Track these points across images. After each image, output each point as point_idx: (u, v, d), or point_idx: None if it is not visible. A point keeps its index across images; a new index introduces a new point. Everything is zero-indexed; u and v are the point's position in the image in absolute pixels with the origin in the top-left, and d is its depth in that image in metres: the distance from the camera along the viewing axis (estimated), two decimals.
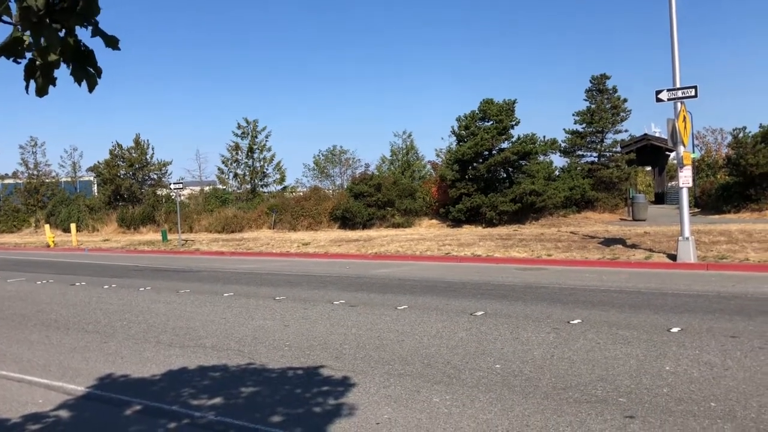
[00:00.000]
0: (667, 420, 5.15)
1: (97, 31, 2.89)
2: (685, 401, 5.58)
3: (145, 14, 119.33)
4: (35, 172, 54.12)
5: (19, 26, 2.74)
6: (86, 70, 3.00)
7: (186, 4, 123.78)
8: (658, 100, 16.58)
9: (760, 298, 10.73)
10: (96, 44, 3.02)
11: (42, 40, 2.75)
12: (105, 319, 11.02)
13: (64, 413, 5.97)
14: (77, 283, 16.55)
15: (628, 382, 6.17)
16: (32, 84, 2.93)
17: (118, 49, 2.96)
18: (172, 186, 33.24)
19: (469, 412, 5.51)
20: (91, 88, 3.07)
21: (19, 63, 2.89)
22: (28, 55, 2.87)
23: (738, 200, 27.32)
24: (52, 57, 2.74)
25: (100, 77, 3.08)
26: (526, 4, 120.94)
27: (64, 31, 2.81)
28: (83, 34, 2.93)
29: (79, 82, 3.02)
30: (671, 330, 8.39)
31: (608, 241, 19.90)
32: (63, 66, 2.98)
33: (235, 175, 46.45)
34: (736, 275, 13.97)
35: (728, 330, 8.28)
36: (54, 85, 2.94)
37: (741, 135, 28.88)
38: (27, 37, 2.78)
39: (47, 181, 54.47)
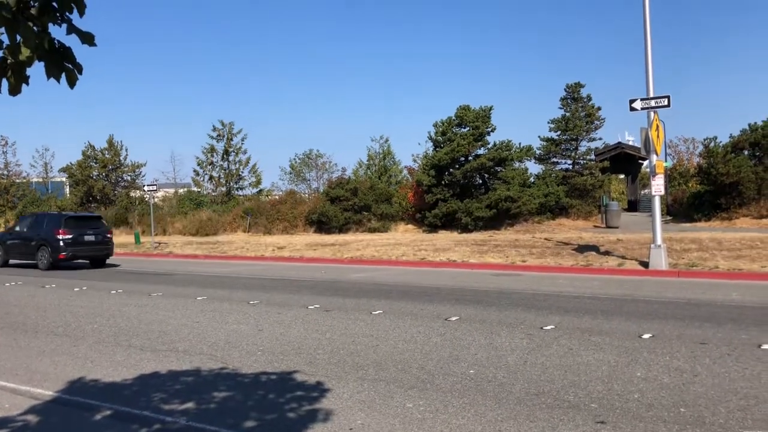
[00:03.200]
0: (637, 425, 5.21)
1: (72, 28, 2.86)
2: (656, 407, 5.64)
3: (120, 18, 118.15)
4: (5, 172, 53.21)
5: None
6: (63, 67, 2.97)
7: (160, 7, 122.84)
8: (632, 109, 16.82)
9: (729, 306, 10.91)
10: (71, 41, 2.98)
11: (17, 37, 2.71)
12: (75, 322, 10.85)
13: (31, 418, 5.85)
14: (47, 286, 16.27)
15: (599, 388, 6.23)
16: (5, 83, 2.88)
17: (94, 45, 2.93)
18: (145, 188, 32.89)
19: (443, 418, 5.52)
20: (71, 84, 3.04)
21: None
22: None
23: (709, 209, 27.79)
24: (24, 55, 2.70)
25: (80, 73, 3.05)
26: (502, 13, 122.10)
27: (37, 28, 2.78)
28: (59, 32, 2.90)
29: (57, 78, 2.98)
30: (643, 336, 8.50)
31: (582, 248, 20.10)
32: (38, 64, 2.95)
33: (211, 178, 46.17)
34: (706, 282, 14.19)
35: (698, 336, 8.41)
36: (27, 83, 2.90)
37: (712, 145, 29.39)
38: None
39: (18, 181, 53.57)
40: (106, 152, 47.65)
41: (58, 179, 56.92)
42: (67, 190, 53.69)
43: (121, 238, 38.01)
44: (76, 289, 15.32)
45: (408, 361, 7.49)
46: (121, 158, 48.34)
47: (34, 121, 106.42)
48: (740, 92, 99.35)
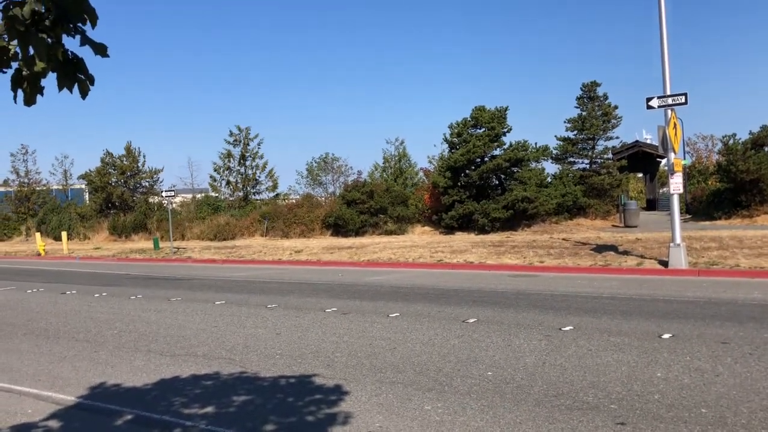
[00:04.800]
0: (657, 426, 5.16)
1: (86, 40, 2.90)
2: (676, 408, 5.59)
3: (138, 24, 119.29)
4: (26, 180, 53.89)
5: (4, 36, 2.74)
6: (76, 78, 3.00)
7: (178, 15, 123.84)
8: (649, 107, 16.68)
9: (751, 304, 10.77)
10: (85, 52, 3.02)
11: (30, 49, 2.75)
12: (95, 327, 10.96)
13: (53, 423, 5.93)
14: (68, 292, 16.45)
15: (619, 389, 6.18)
16: (20, 94, 2.92)
17: (107, 56, 2.96)
18: (163, 193, 33.16)
19: (461, 420, 5.50)
20: (83, 95, 3.08)
21: (5, 72, 2.89)
22: (15, 64, 2.87)
23: (729, 206, 27.45)
24: (39, 67, 2.74)
25: (92, 84, 3.09)
26: (518, 13, 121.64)
27: (51, 40, 2.81)
28: (73, 43, 2.94)
29: (69, 89, 3.01)
30: (662, 336, 8.42)
31: (600, 248, 19.95)
32: (53, 74, 2.98)
33: (228, 183, 46.40)
34: (727, 281, 14.03)
35: (719, 336, 8.31)
36: (41, 94, 2.94)
37: (731, 142, 29.03)
38: (12, 47, 2.77)
39: (38, 189, 54.24)
40: (124, 159, 48.08)
41: (78, 186, 57.55)
42: (87, 196, 54.26)
43: (140, 243, 38.35)
44: (96, 295, 15.48)
45: (426, 364, 7.48)
46: (139, 164, 48.74)
47: (52, 129, 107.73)
48: (760, 89, 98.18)
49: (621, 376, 6.64)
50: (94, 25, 2.88)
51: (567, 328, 9.18)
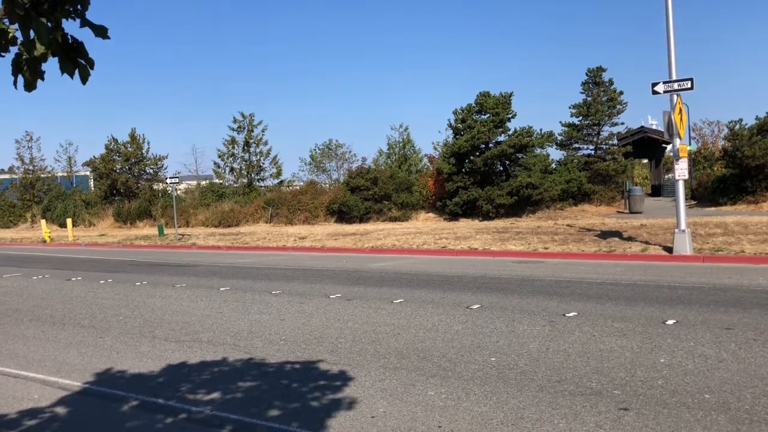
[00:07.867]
0: (661, 412, 5.17)
1: (85, 22, 2.87)
2: (680, 393, 5.59)
3: (141, 9, 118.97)
4: (31, 167, 54.02)
5: (5, 20, 2.72)
6: (76, 62, 2.98)
7: (181, 5, 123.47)
8: (654, 92, 16.57)
9: (756, 290, 10.75)
10: (85, 36, 3.00)
11: (31, 33, 2.73)
12: (101, 314, 11.01)
13: (60, 409, 5.97)
14: (73, 278, 16.52)
15: (622, 375, 6.19)
16: (20, 79, 2.91)
17: (108, 38, 2.94)
18: (168, 180, 33.19)
19: (465, 405, 5.52)
20: (84, 80, 3.06)
21: (4, 57, 2.87)
22: (14, 49, 2.85)
23: (734, 192, 27.38)
24: (39, 51, 2.72)
25: (92, 68, 3.07)
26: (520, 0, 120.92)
27: (50, 24, 2.79)
28: (72, 26, 2.92)
29: (70, 74, 3.00)
30: (666, 322, 8.41)
31: (605, 234, 19.92)
32: (54, 59, 2.96)
33: (232, 170, 46.42)
34: (731, 267, 13.99)
35: (723, 322, 8.31)
36: (42, 79, 2.92)
37: (737, 127, 28.89)
38: (12, 30, 2.76)
39: (43, 176, 54.37)
40: (129, 146, 48.10)
41: (82, 173, 57.65)
42: (92, 183, 54.36)
43: (145, 230, 38.44)
44: (101, 282, 15.54)
45: (429, 350, 7.50)
46: (144, 151, 48.76)
47: (57, 116, 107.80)
48: (766, 73, 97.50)
49: (625, 361, 6.65)
50: (85, 8, 2.85)
51: (571, 314, 9.18)
